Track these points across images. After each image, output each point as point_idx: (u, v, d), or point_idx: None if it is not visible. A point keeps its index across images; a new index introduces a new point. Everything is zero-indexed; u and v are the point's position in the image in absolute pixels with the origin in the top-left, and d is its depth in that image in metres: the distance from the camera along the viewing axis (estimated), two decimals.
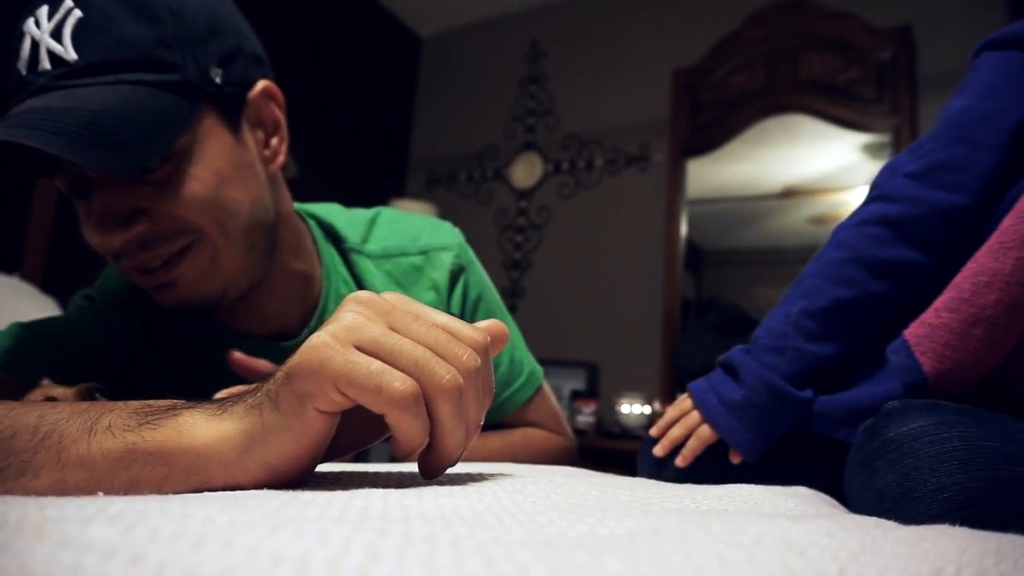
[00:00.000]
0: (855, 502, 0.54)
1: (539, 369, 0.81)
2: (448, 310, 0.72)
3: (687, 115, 2.45)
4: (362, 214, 0.76)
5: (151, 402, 0.36)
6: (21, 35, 0.50)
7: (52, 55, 0.48)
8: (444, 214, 2.71)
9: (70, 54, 0.48)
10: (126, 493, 0.32)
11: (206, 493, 0.29)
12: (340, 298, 0.68)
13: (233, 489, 0.33)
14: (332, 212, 0.74)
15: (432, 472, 0.35)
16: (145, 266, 0.54)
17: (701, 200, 2.46)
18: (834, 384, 0.72)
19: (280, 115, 0.62)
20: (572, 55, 2.80)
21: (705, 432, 0.73)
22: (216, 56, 0.54)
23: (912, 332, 0.60)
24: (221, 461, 0.32)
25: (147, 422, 0.33)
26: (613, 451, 2.02)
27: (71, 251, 1.80)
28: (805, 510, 0.40)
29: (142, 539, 0.17)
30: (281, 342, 0.66)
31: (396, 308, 0.33)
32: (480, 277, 0.76)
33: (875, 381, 0.68)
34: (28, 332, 0.57)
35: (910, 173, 0.69)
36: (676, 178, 2.44)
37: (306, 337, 0.65)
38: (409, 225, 0.74)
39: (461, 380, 0.32)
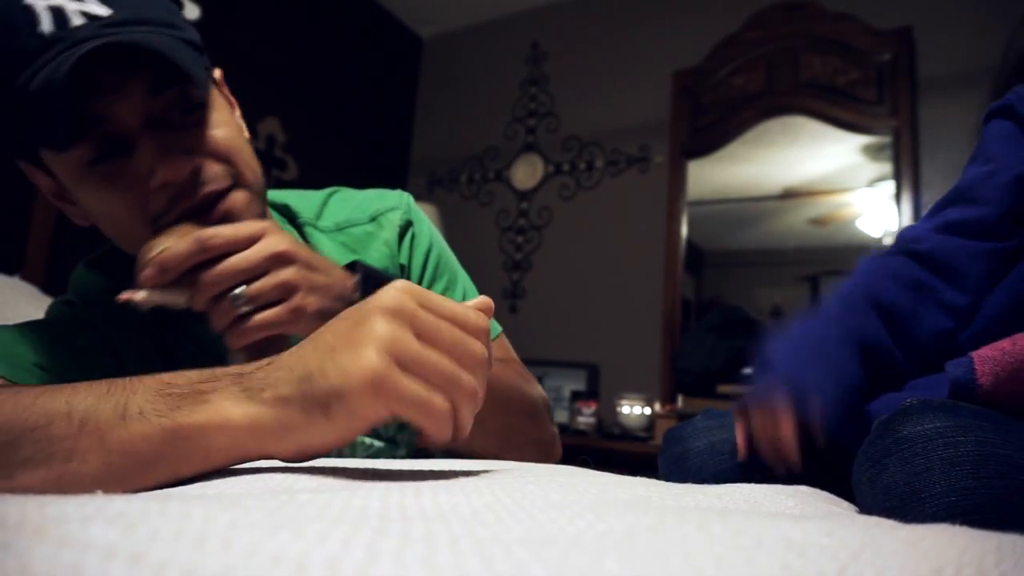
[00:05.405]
0: (861, 497, 0.54)
1: (496, 324, 0.78)
2: (398, 260, 0.74)
3: (688, 116, 2.45)
4: (315, 193, 0.77)
5: (168, 380, 0.39)
6: (24, 7, 0.49)
7: (83, 14, 0.49)
8: (445, 215, 2.71)
9: (104, 10, 0.50)
10: (173, 474, 0.37)
11: (206, 493, 0.29)
12: None
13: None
14: (284, 194, 0.75)
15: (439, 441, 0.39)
16: (200, 204, 0.55)
17: (702, 201, 2.46)
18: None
19: (232, 97, 0.65)
20: (573, 57, 2.80)
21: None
22: (196, 37, 0.58)
23: (980, 353, 0.59)
24: (258, 443, 0.37)
25: (178, 407, 0.37)
26: (614, 452, 2.02)
27: (73, 252, 1.80)
28: (805, 509, 0.40)
29: (142, 539, 0.17)
30: None
31: (418, 312, 0.38)
32: (429, 231, 0.77)
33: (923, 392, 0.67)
34: (9, 335, 0.57)
35: (932, 228, 0.76)
36: (677, 179, 2.44)
37: None
38: (360, 199, 0.77)
39: (477, 384, 0.38)
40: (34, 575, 0.15)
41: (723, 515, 0.26)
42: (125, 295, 0.49)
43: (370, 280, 0.56)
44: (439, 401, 0.36)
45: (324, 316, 0.46)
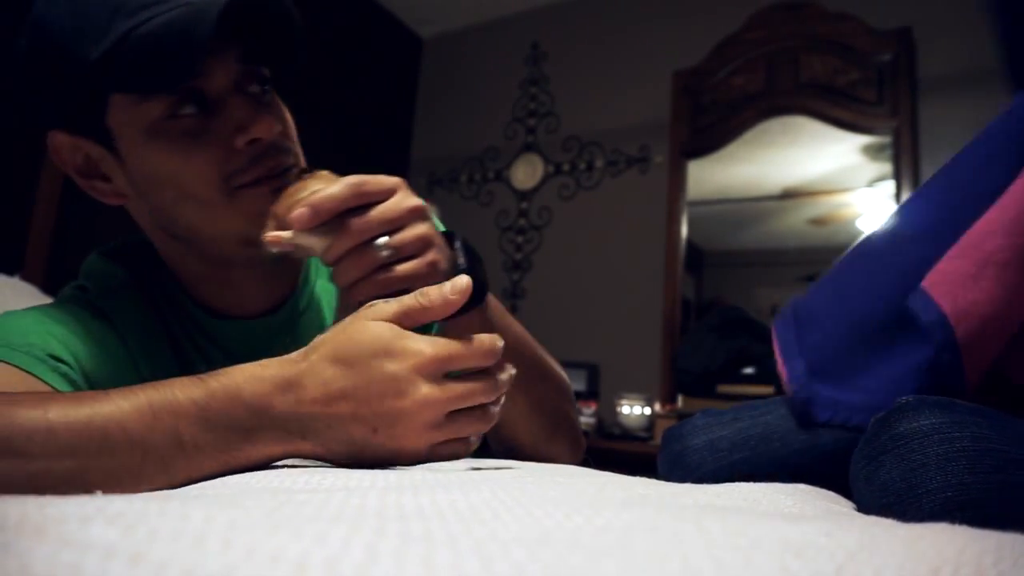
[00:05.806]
0: (859, 494, 0.54)
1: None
2: None
3: (688, 117, 2.45)
4: None
5: (201, 404, 0.40)
6: None
7: None
8: (445, 215, 2.71)
9: None
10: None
11: (205, 493, 0.29)
12: (317, 269, 0.70)
13: None
14: None
15: None
16: (271, 173, 0.56)
17: (701, 201, 2.46)
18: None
19: None
20: (573, 57, 2.81)
21: None
22: None
23: (927, 280, 0.61)
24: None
25: (229, 445, 0.41)
26: (614, 452, 2.02)
27: (73, 252, 1.80)
28: (803, 508, 0.40)
29: (142, 539, 0.17)
30: (265, 317, 0.65)
31: (447, 396, 0.43)
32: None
33: (894, 360, 0.66)
34: (22, 323, 0.55)
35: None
36: (677, 179, 2.44)
37: (289, 309, 0.66)
38: None
39: (496, 411, 0.47)
40: (34, 575, 0.15)
41: (721, 514, 0.26)
42: (272, 235, 0.50)
43: (468, 250, 0.57)
44: (464, 450, 0.46)
45: (444, 276, 0.50)
